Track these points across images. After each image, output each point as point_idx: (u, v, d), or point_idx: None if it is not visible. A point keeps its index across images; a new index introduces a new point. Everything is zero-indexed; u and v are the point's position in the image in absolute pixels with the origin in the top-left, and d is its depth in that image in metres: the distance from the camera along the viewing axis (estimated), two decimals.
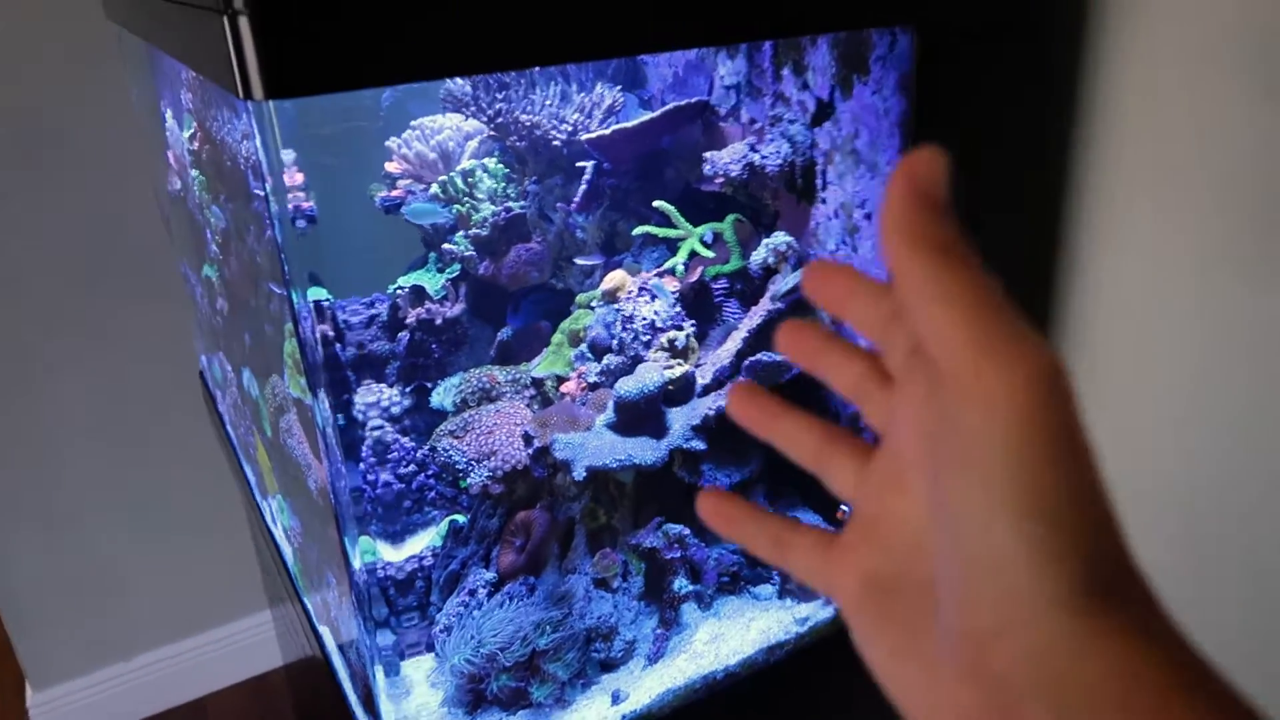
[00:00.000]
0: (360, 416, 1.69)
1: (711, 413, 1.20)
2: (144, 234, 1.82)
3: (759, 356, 1.17)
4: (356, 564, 0.94)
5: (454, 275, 1.69)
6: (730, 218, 1.33)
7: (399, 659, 1.21)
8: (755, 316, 1.22)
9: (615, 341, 1.28)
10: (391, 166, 1.80)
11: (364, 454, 1.62)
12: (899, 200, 0.30)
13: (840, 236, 1.24)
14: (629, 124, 1.27)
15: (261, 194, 0.81)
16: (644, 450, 1.18)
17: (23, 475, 1.67)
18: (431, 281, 1.71)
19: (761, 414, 0.42)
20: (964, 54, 1.07)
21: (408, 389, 1.72)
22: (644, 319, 1.26)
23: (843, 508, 1.30)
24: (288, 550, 1.53)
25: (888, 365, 0.37)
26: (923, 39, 1.03)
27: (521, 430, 1.19)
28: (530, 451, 1.17)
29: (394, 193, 1.83)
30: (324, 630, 1.30)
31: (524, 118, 1.34)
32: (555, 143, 1.36)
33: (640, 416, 1.20)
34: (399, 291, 1.72)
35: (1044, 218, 1.26)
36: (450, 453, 1.21)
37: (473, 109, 1.35)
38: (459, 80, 1.41)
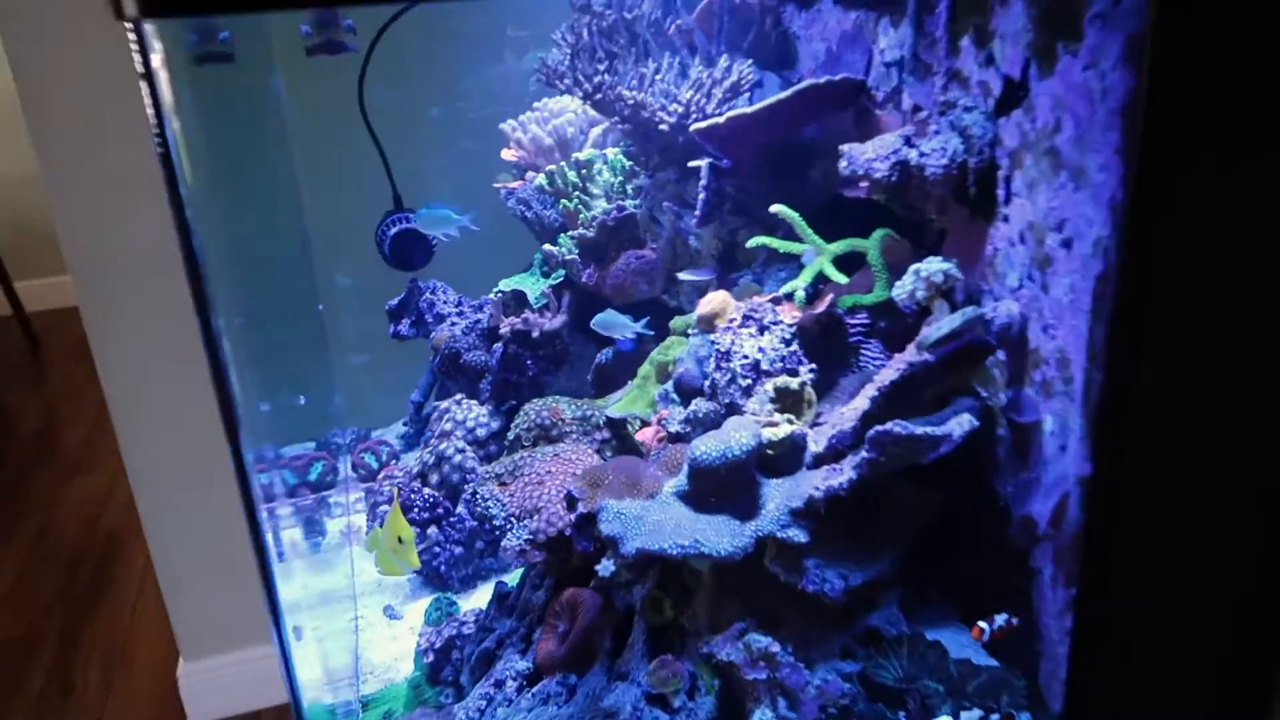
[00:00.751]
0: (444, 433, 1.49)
1: (819, 494, 0.89)
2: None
3: (889, 427, 0.85)
4: (287, 662, 0.71)
5: (557, 282, 1.45)
6: (878, 234, 1.01)
7: None
8: (892, 370, 0.90)
9: (707, 383, 0.99)
10: (508, 154, 1.58)
11: (435, 481, 1.42)
12: None
13: (1025, 270, 0.89)
14: (748, 109, 0.98)
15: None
16: (719, 535, 0.88)
17: (191, 453, 1.63)
18: (533, 287, 1.48)
19: None
20: (1225, 9, 0.70)
21: (499, 408, 1.50)
22: (745, 357, 0.96)
23: (980, 624, 0.95)
24: None
25: None
26: None
27: (567, 488, 0.93)
28: (573, 518, 0.90)
29: (515, 184, 1.62)
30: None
31: (627, 94, 1.07)
32: (663, 127, 1.09)
33: (722, 487, 0.91)
34: (497, 296, 1.51)
35: None
36: (488, 503, 0.96)
37: (568, 81, 1.10)
38: (564, 47, 1.17)
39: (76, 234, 1.37)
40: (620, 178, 1.36)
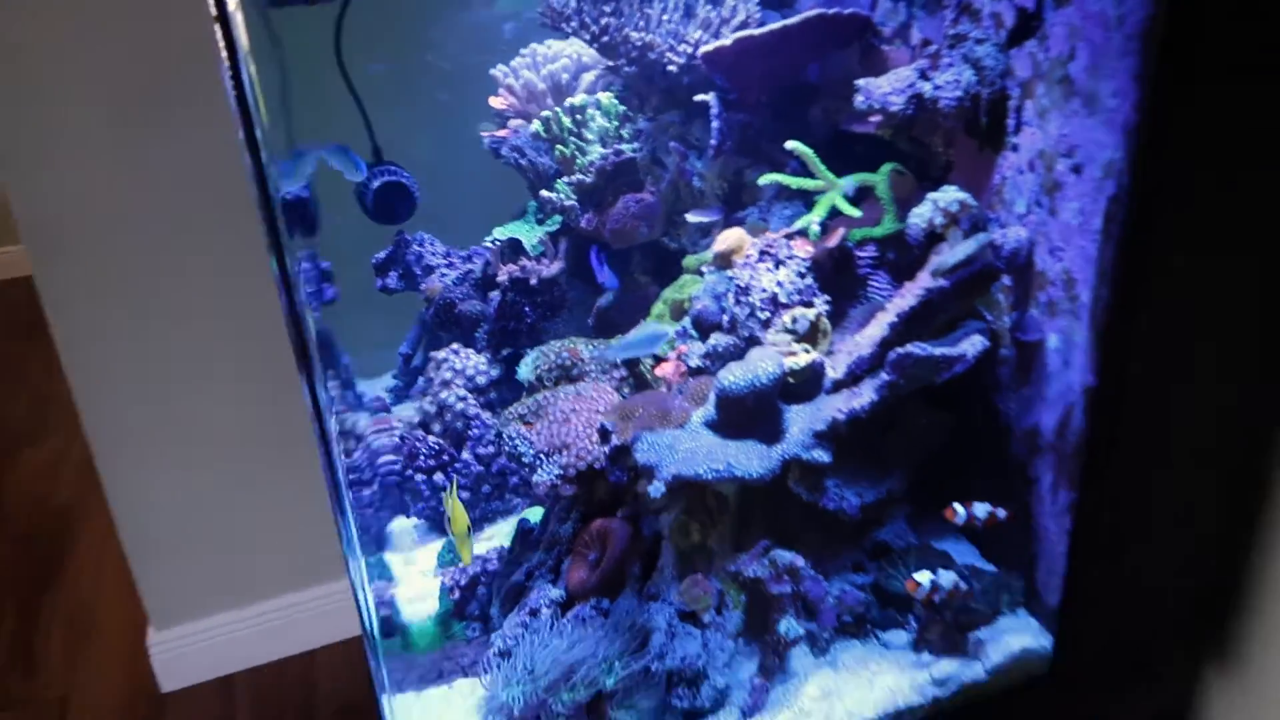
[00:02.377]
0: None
1: (842, 415, 0.93)
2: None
3: (908, 349, 0.89)
4: (362, 591, 0.73)
5: (554, 229, 1.46)
6: (886, 167, 1.04)
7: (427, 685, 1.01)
8: (909, 296, 0.94)
9: (726, 317, 1.02)
10: (496, 102, 1.58)
11: (437, 430, 1.43)
12: None
13: (1034, 195, 0.93)
14: (755, 31, 1.00)
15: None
16: (749, 458, 0.92)
17: (155, 420, 1.60)
18: (529, 234, 1.49)
19: None
20: None
21: (497, 356, 1.52)
22: (763, 291, 0.99)
23: (954, 505, 0.99)
24: None
25: None
26: None
27: (600, 422, 0.95)
28: (607, 450, 0.93)
29: (501, 133, 1.62)
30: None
31: (634, 36, 1.09)
32: (671, 68, 1.10)
33: (748, 415, 0.95)
34: (493, 245, 1.51)
35: None
36: (516, 441, 0.99)
37: (574, 24, 1.11)
38: None
39: (30, 198, 1.33)
40: (615, 123, 1.38)
